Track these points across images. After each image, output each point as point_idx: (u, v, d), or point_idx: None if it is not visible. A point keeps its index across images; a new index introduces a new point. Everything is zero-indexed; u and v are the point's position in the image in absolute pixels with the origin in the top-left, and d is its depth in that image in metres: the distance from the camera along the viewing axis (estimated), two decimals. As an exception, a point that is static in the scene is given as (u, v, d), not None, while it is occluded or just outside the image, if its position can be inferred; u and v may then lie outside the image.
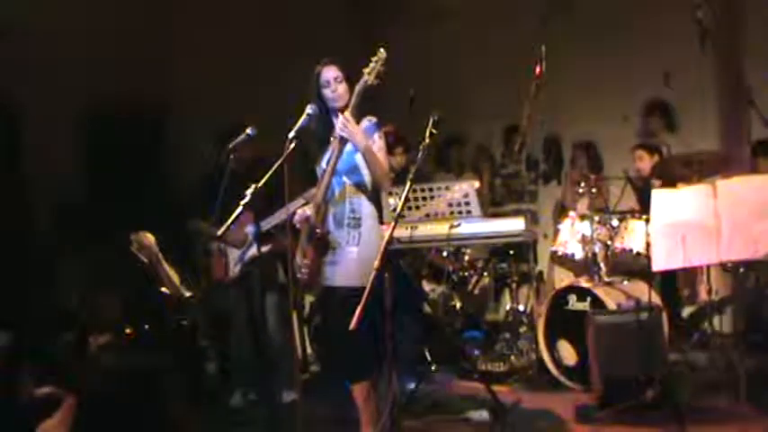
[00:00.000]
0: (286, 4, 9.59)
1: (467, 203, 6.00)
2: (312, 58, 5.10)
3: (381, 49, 4.75)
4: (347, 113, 4.79)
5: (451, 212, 6.03)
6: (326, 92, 4.94)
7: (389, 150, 6.02)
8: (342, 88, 4.92)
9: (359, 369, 4.94)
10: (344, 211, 4.93)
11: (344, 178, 4.94)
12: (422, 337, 6.86)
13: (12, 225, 7.72)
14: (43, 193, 8.00)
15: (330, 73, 4.94)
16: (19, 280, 7.11)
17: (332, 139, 4.90)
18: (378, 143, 4.90)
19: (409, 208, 5.92)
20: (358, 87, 4.78)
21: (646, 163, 7.24)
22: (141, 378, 2.78)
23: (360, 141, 4.80)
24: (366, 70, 4.74)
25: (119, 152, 8.60)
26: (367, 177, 4.95)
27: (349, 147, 4.89)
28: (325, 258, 4.95)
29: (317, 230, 4.89)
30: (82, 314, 6.97)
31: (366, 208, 4.94)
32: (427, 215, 6.02)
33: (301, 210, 5.08)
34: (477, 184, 6.33)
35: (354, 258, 4.86)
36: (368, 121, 4.92)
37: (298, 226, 5.07)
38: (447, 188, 6.01)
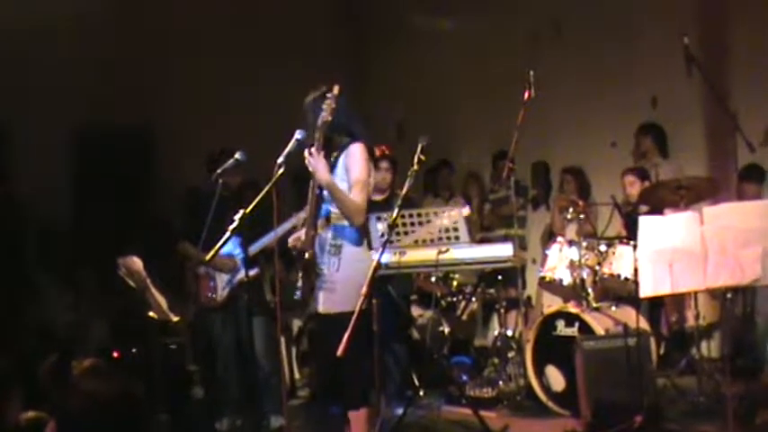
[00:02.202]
0: (280, 32, 9.64)
1: (455, 229, 5.99)
2: (304, 86, 5.14)
3: (336, 86, 4.83)
4: (312, 149, 4.82)
5: (440, 238, 6.03)
6: None
7: (375, 165, 6.04)
8: None
9: (359, 396, 4.89)
10: (327, 237, 4.94)
11: (329, 206, 4.95)
12: (410, 363, 6.85)
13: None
14: (31, 217, 7.99)
15: None
16: (6, 304, 7.09)
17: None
18: (356, 173, 4.89)
19: (397, 233, 5.91)
20: (318, 123, 4.82)
21: (637, 188, 7.25)
22: (126, 403, 2.76)
23: (321, 178, 4.82)
24: (323, 106, 4.80)
25: (107, 176, 8.61)
26: None
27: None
28: (314, 282, 4.96)
29: (305, 253, 4.91)
30: (65, 337, 6.95)
31: (348, 235, 4.92)
32: (416, 241, 6.02)
33: (296, 233, 5.13)
34: (467, 211, 6.33)
35: (334, 285, 4.87)
36: (350, 152, 4.93)
37: (291, 245, 5.09)
38: (435, 214, 6.01)
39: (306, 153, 4.83)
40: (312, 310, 5.07)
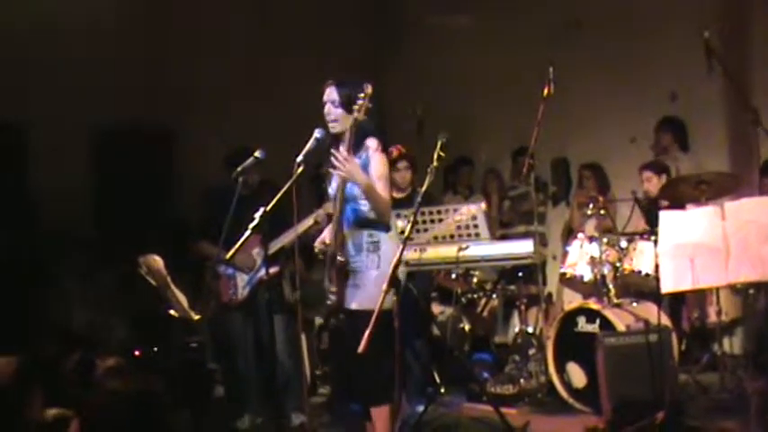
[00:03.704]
0: (300, 29, 9.65)
1: (475, 226, 5.98)
2: (322, 84, 5.12)
3: (369, 85, 4.75)
4: (344, 152, 4.73)
5: (460, 235, 6.03)
6: (324, 112, 4.94)
7: (393, 165, 6.01)
8: (337, 113, 4.88)
9: (383, 392, 4.85)
10: (362, 235, 4.88)
11: (356, 204, 4.92)
12: (431, 360, 6.84)
13: (20, 247, 7.77)
14: (53, 216, 8.04)
15: (327, 94, 4.93)
16: (28, 302, 7.13)
17: (332, 170, 4.86)
18: (377, 170, 4.86)
19: (417, 230, 5.91)
20: (350, 125, 4.78)
21: (654, 184, 7.22)
22: (148, 401, 2.78)
23: (360, 181, 4.75)
24: (355, 107, 4.73)
25: (127, 175, 8.65)
26: None
27: None
28: (347, 282, 4.92)
29: (338, 258, 4.87)
30: (89, 336, 6.99)
31: (383, 231, 4.90)
32: (435, 237, 6.01)
33: (321, 236, 5.11)
34: (483, 204, 6.32)
35: (371, 282, 4.80)
36: (367, 149, 4.89)
37: (317, 251, 5.08)
38: (455, 210, 6.00)
39: (337, 155, 4.74)
40: (345, 307, 5.00)
